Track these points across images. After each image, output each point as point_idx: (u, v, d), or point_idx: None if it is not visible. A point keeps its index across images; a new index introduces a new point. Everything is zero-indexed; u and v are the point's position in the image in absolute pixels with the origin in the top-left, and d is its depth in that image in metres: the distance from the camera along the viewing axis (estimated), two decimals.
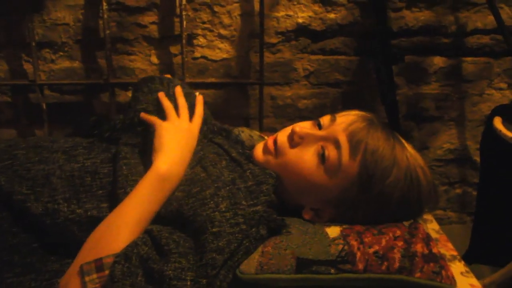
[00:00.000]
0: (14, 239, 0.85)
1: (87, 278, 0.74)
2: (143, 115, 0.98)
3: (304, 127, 0.94)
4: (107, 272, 0.74)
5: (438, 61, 1.77)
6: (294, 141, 0.93)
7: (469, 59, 1.78)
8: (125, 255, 0.75)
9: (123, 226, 0.81)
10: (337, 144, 0.89)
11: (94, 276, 0.74)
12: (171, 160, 0.89)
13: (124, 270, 0.74)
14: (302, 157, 0.91)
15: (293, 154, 0.92)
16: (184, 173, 0.90)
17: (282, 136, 0.95)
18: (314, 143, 0.92)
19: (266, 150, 0.96)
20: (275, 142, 0.95)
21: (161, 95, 1.01)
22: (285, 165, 0.92)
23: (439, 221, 1.19)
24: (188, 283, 0.75)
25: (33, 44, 1.60)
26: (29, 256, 0.85)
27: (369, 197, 0.89)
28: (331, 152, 0.89)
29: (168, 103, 1.00)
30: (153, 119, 0.96)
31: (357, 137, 0.89)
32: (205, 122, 1.04)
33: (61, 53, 1.67)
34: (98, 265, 0.75)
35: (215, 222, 0.80)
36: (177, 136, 0.93)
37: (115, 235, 0.79)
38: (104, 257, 0.75)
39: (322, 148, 0.90)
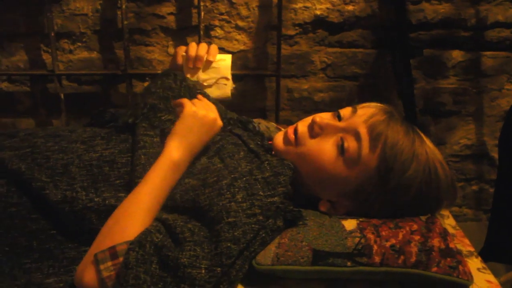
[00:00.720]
0: (33, 225, 0.86)
1: (102, 266, 0.75)
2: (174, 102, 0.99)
3: (324, 117, 0.94)
4: (121, 259, 0.75)
5: (457, 55, 1.75)
6: (314, 131, 0.92)
7: (488, 53, 1.76)
8: (139, 242, 0.76)
9: (136, 213, 0.81)
10: (357, 136, 0.89)
11: (109, 263, 0.75)
12: (184, 147, 0.89)
13: (138, 258, 0.74)
14: (321, 147, 0.91)
15: (312, 145, 0.92)
16: (198, 162, 0.91)
17: (303, 126, 0.95)
18: (334, 134, 0.91)
19: (286, 139, 0.95)
20: (295, 131, 0.95)
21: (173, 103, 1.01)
22: (304, 155, 0.92)
23: (455, 218, 1.18)
24: (203, 271, 0.75)
25: (52, 34, 1.61)
26: (47, 242, 0.85)
27: (387, 190, 0.89)
28: (350, 143, 0.89)
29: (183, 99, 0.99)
30: (184, 101, 0.96)
31: (377, 129, 0.88)
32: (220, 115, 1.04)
33: (79, 44, 1.68)
34: (112, 252, 0.76)
35: (231, 212, 0.80)
36: (196, 123, 0.92)
37: (128, 222, 0.80)
38: (118, 245, 0.76)
39: (342, 139, 0.90)
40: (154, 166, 0.86)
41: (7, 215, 0.85)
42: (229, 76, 1.15)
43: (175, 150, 0.88)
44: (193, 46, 1.14)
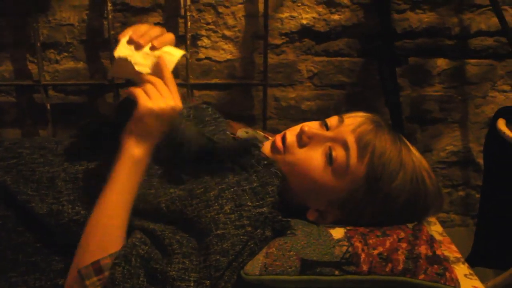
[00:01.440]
0: (19, 238, 0.85)
1: (87, 282, 0.75)
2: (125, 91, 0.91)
3: (312, 127, 0.94)
4: (106, 274, 0.75)
5: (442, 63, 1.77)
6: (303, 140, 0.92)
7: (472, 61, 1.78)
8: (125, 256, 0.76)
9: (110, 221, 0.80)
10: (345, 146, 0.89)
11: (94, 279, 0.75)
12: (142, 144, 0.83)
13: (124, 273, 0.74)
14: (310, 157, 0.91)
15: (301, 154, 0.92)
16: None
17: (291, 135, 0.95)
18: (322, 143, 0.92)
19: (274, 148, 0.95)
20: (283, 140, 0.94)
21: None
22: (292, 164, 0.92)
23: (442, 223, 1.19)
24: (192, 283, 0.75)
25: (38, 44, 1.60)
26: (34, 255, 0.85)
27: (375, 200, 0.89)
28: (339, 153, 0.89)
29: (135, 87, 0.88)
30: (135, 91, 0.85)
31: (365, 139, 0.89)
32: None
33: (66, 54, 1.68)
34: (96, 267, 0.75)
35: (220, 224, 0.80)
36: (153, 122, 0.83)
37: (105, 233, 0.79)
38: (101, 259, 0.76)
39: (330, 149, 0.90)
40: (117, 167, 0.82)
41: None
42: None
43: (135, 148, 0.82)
44: (147, 25, 0.90)
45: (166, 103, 0.82)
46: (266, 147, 0.97)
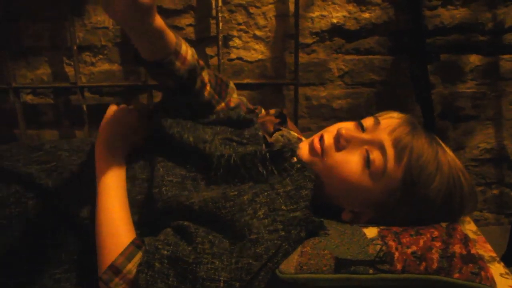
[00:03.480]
0: (61, 237, 0.88)
1: (111, 284, 0.79)
2: None
3: (349, 129, 0.94)
4: (124, 271, 0.79)
5: (474, 59, 1.75)
6: (341, 144, 0.92)
7: (506, 56, 1.75)
8: (147, 263, 0.78)
9: (115, 221, 0.85)
10: (382, 149, 0.89)
11: (116, 280, 0.79)
12: (114, 152, 0.94)
13: (147, 279, 0.77)
14: (348, 160, 0.91)
15: (339, 157, 0.92)
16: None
17: (328, 137, 0.94)
18: (359, 146, 0.91)
19: (313, 150, 0.95)
20: (321, 143, 0.94)
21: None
22: (330, 168, 0.92)
23: (476, 222, 1.17)
24: (222, 284, 0.76)
25: (75, 47, 1.65)
26: (75, 254, 0.88)
27: (411, 202, 0.89)
28: (376, 156, 0.89)
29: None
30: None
31: (402, 142, 0.89)
32: None
33: (101, 56, 1.72)
34: (114, 270, 0.79)
35: (253, 229, 0.80)
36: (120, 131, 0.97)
37: (113, 234, 0.84)
38: (114, 261, 0.80)
39: (367, 152, 0.90)
40: (102, 176, 0.90)
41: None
42: None
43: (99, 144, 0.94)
44: None
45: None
46: (304, 149, 0.97)
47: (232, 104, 1.10)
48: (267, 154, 0.90)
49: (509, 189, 1.92)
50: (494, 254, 1.03)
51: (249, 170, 0.90)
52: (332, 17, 1.67)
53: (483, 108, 1.81)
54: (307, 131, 1.61)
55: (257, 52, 1.71)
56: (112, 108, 1.00)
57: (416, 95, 1.64)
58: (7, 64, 1.67)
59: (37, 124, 1.81)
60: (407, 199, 0.89)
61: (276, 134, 1.07)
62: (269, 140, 1.03)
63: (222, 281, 0.76)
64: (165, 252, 0.79)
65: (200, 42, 1.70)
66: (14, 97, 1.71)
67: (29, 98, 1.78)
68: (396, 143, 0.89)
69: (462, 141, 1.86)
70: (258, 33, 1.69)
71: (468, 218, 1.18)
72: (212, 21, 1.67)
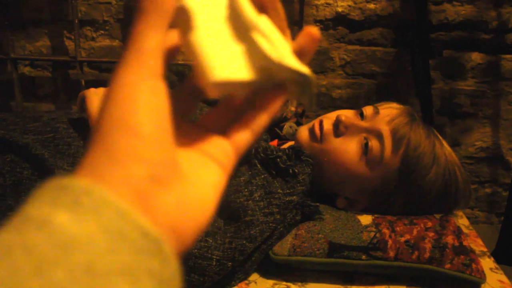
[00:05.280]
0: None
1: None
2: None
3: (348, 116, 0.94)
4: None
5: (476, 57, 1.75)
6: (340, 130, 0.93)
7: (508, 56, 1.75)
8: None
9: None
10: (380, 138, 0.90)
11: None
12: None
13: None
14: (346, 147, 0.91)
15: (337, 143, 0.92)
16: None
17: (328, 123, 0.95)
18: (358, 133, 0.92)
19: (313, 135, 0.95)
20: (320, 128, 0.95)
21: None
22: (328, 153, 0.92)
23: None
24: (214, 262, 0.76)
25: (76, 21, 1.63)
26: None
27: (406, 191, 0.90)
28: (374, 144, 0.90)
29: None
30: None
31: (400, 132, 0.89)
32: None
33: (102, 32, 1.71)
34: None
35: (248, 211, 0.80)
36: None
37: None
38: None
39: (366, 139, 0.90)
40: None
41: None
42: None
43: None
44: None
45: None
46: (304, 134, 0.97)
47: None
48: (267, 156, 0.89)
49: (502, 189, 1.93)
50: (485, 249, 1.03)
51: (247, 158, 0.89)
52: (337, 6, 1.67)
53: (481, 107, 1.82)
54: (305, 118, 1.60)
55: None
56: None
57: (416, 89, 1.64)
58: (5, 34, 1.66)
59: (34, 97, 1.80)
60: (402, 189, 0.90)
61: (287, 126, 1.08)
62: (281, 133, 1.06)
63: (214, 259, 0.76)
64: None
65: None
66: (12, 68, 1.69)
67: (27, 69, 1.76)
68: (394, 133, 0.89)
69: (459, 138, 1.86)
70: None
71: (460, 213, 1.19)
72: None
